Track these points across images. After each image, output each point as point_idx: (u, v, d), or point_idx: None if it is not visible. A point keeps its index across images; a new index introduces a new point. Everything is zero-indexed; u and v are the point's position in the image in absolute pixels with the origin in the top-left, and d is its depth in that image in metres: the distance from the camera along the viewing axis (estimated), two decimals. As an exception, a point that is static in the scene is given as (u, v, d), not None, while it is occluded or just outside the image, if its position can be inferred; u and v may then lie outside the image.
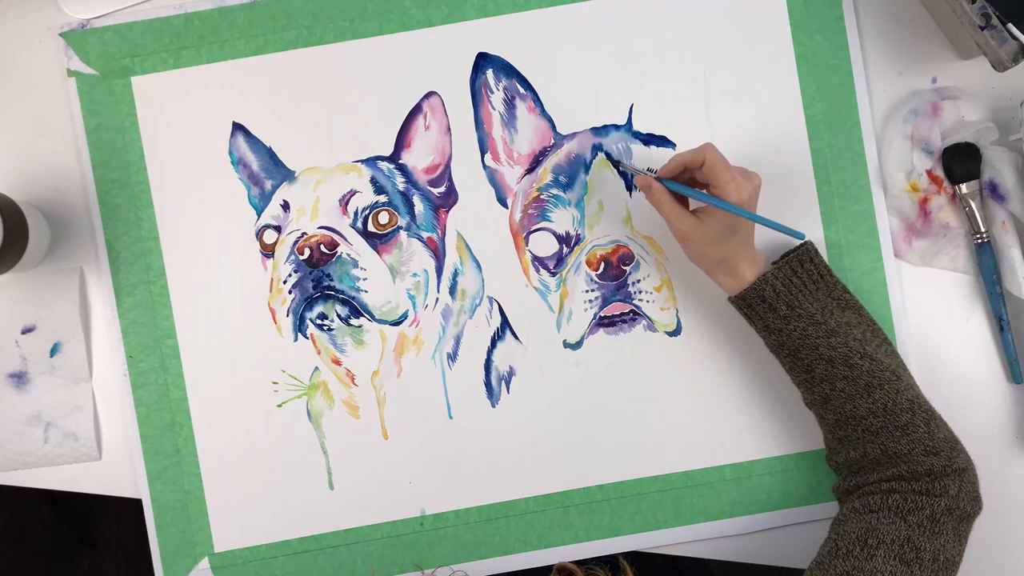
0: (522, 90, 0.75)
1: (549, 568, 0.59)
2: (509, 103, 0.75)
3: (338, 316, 0.75)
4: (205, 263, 0.75)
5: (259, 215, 0.75)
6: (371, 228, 0.75)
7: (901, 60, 0.76)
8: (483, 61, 0.75)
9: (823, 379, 0.65)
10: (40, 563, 1.39)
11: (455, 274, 0.75)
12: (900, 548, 0.59)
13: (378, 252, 0.75)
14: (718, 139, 0.75)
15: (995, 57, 0.65)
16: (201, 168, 0.75)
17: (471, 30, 0.75)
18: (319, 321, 0.75)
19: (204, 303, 0.75)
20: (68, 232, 0.76)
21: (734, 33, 0.75)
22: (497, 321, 0.75)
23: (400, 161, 0.75)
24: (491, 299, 0.75)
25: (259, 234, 0.75)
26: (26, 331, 0.75)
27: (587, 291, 0.75)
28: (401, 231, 0.75)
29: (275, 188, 0.75)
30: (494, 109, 0.75)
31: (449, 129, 0.75)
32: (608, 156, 0.74)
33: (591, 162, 0.75)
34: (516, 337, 0.75)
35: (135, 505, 0.75)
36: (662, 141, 0.75)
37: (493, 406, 0.75)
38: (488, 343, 0.75)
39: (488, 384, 0.75)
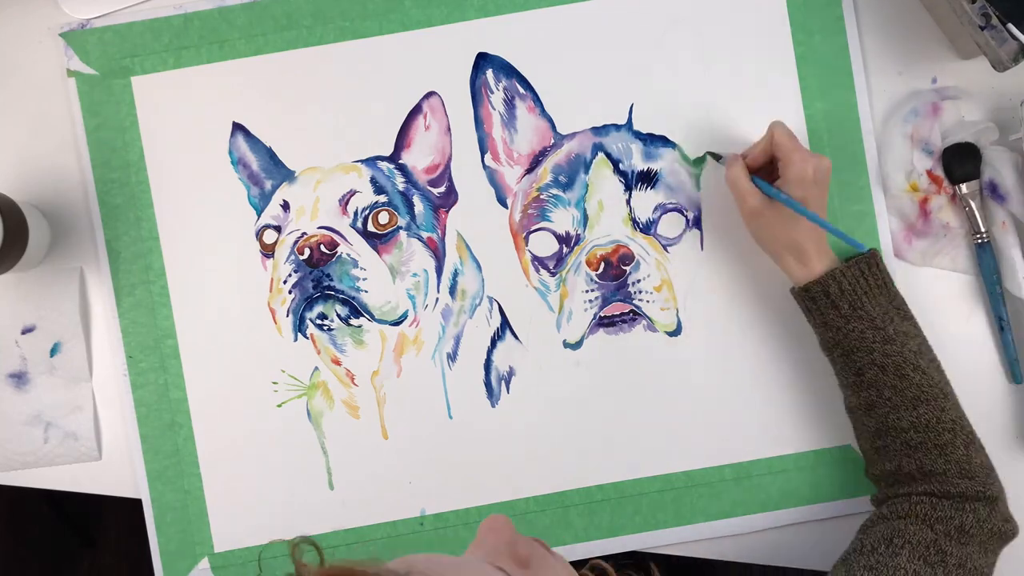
0: (522, 90, 0.75)
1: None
2: (509, 103, 0.75)
3: (338, 316, 0.75)
4: (205, 263, 0.75)
5: (259, 215, 0.75)
6: (371, 228, 0.75)
7: (901, 60, 0.76)
8: (483, 61, 0.75)
9: (871, 384, 0.65)
10: (40, 563, 1.39)
11: (455, 274, 0.75)
12: (926, 550, 0.59)
13: (378, 252, 0.75)
14: (718, 139, 0.75)
15: (995, 57, 0.65)
16: (201, 168, 0.75)
17: (471, 30, 0.75)
18: (319, 321, 0.75)
19: (204, 303, 0.75)
20: (68, 232, 0.76)
21: (734, 33, 0.75)
22: (497, 321, 0.75)
23: (400, 161, 0.75)
24: (491, 299, 0.75)
25: (259, 234, 0.75)
26: (26, 331, 0.75)
27: (587, 291, 0.75)
28: (401, 231, 0.75)
29: (275, 188, 0.75)
30: (494, 109, 0.75)
31: (449, 129, 0.75)
32: (710, 153, 0.74)
33: (591, 162, 0.75)
34: (516, 337, 0.75)
35: (135, 505, 0.75)
36: (662, 141, 0.75)
37: (493, 406, 0.75)
38: (488, 343, 0.75)
39: (488, 384, 0.75)
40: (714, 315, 0.75)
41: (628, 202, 0.75)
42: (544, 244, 0.75)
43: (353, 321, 0.75)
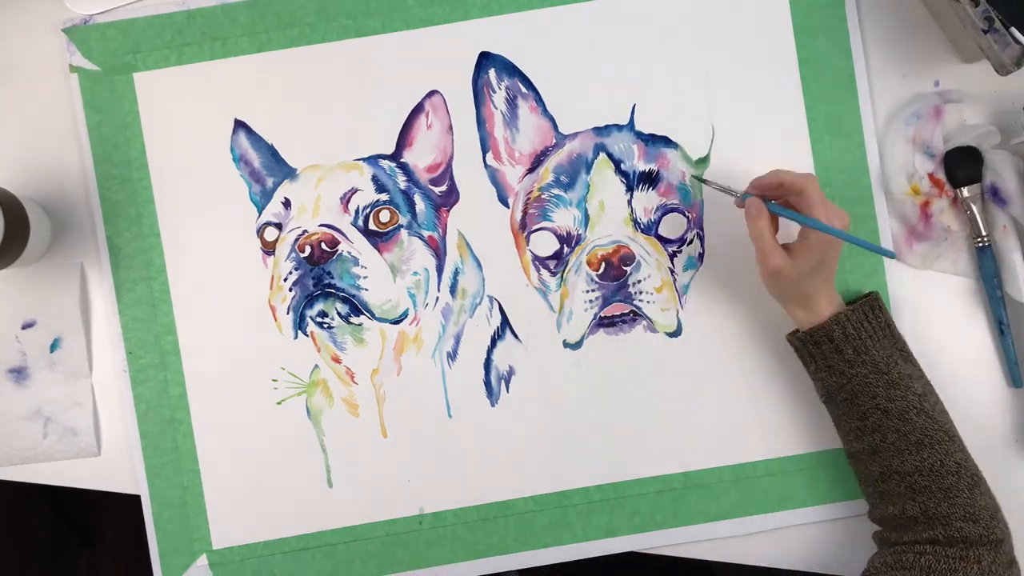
0: (524, 89, 0.75)
1: (546, 568, 0.58)
2: (511, 102, 0.75)
3: (338, 314, 0.75)
4: (206, 260, 0.75)
5: (260, 212, 0.75)
6: (372, 226, 0.75)
7: (904, 63, 0.76)
8: (485, 60, 0.75)
9: (875, 429, 0.65)
10: (38, 559, 1.39)
11: (456, 273, 0.75)
12: None
13: (379, 250, 0.75)
14: (720, 139, 0.75)
15: (998, 61, 0.65)
16: (202, 165, 0.75)
17: (474, 29, 0.75)
18: (319, 319, 0.75)
19: (204, 300, 0.75)
20: (69, 228, 0.76)
21: (737, 34, 0.75)
22: (497, 320, 0.75)
23: (402, 160, 0.75)
24: (491, 298, 0.75)
25: (260, 231, 0.75)
26: (26, 326, 0.75)
27: (587, 291, 0.75)
28: (402, 229, 0.75)
29: (276, 185, 0.75)
30: (496, 108, 0.75)
31: (451, 128, 0.75)
32: (697, 177, 0.74)
33: (593, 162, 0.75)
34: (516, 337, 0.75)
35: (134, 501, 0.75)
36: (665, 142, 0.75)
37: (492, 405, 0.75)
38: (488, 342, 0.75)
39: (488, 383, 0.75)
40: (714, 316, 0.75)
41: (629, 202, 0.75)
42: (545, 244, 0.75)
43: (353, 319, 0.75)
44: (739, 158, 0.75)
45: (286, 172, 0.75)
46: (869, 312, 0.67)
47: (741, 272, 0.75)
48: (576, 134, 0.75)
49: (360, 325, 0.75)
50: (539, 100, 0.75)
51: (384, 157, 0.75)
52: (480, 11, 0.75)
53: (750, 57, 0.75)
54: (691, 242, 0.75)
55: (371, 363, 0.75)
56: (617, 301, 0.75)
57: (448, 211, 0.75)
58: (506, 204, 0.75)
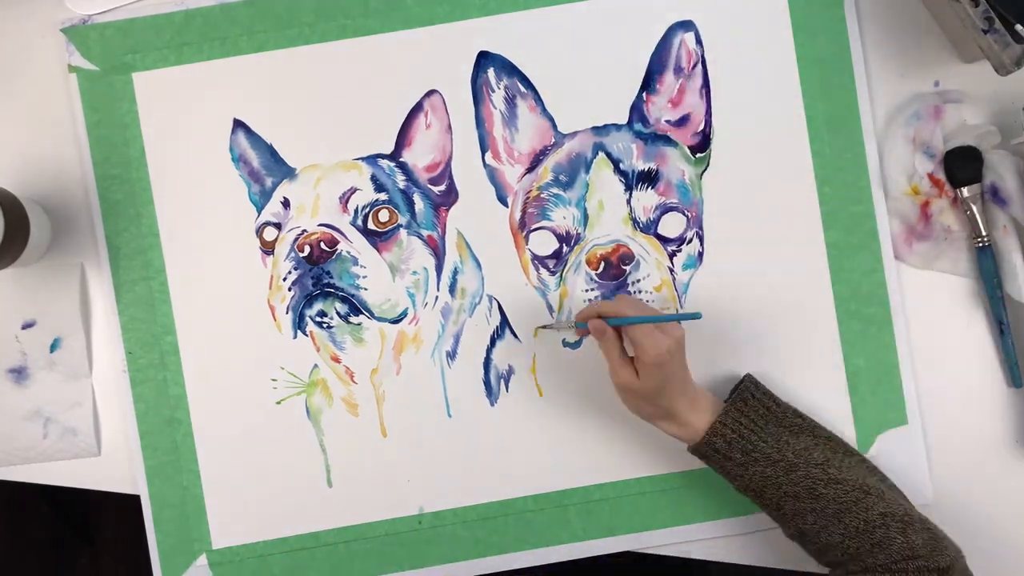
0: (523, 89, 0.75)
1: (542, 568, 0.58)
2: (510, 102, 0.75)
3: (337, 313, 0.75)
4: (205, 260, 0.75)
5: (259, 212, 0.75)
6: (371, 226, 0.75)
7: (903, 62, 0.76)
8: (484, 60, 0.75)
9: (793, 515, 0.64)
10: (38, 559, 1.39)
11: (455, 272, 0.75)
12: None
13: (378, 250, 0.75)
14: (719, 138, 0.75)
15: (998, 61, 0.65)
16: (202, 165, 0.75)
17: (472, 28, 0.75)
18: (318, 318, 0.75)
19: (204, 300, 0.75)
20: (69, 228, 0.76)
21: (736, 33, 0.75)
22: (496, 320, 0.75)
23: (401, 159, 0.75)
24: (491, 298, 0.75)
25: (259, 231, 0.75)
26: (26, 326, 0.75)
27: (587, 290, 0.75)
28: (401, 229, 0.75)
29: (275, 185, 0.75)
30: (495, 108, 0.75)
31: (450, 127, 0.75)
32: (546, 326, 0.74)
33: (592, 161, 0.75)
34: (515, 336, 0.75)
35: (133, 501, 0.75)
36: (664, 140, 0.75)
37: (492, 405, 0.75)
38: (487, 342, 0.75)
39: (487, 383, 0.75)
40: (714, 315, 0.75)
41: (628, 202, 0.75)
42: (544, 243, 0.75)
43: (353, 319, 0.75)
44: (738, 157, 0.75)
45: (285, 172, 0.75)
46: (742, 406, 0.67)
47: (740, 270, 0.75)
48: (575, 133, 0.75)
49: (359, 325, 0.75)
50: (538, 99, 0.75)
51: (383, 156, 0.75)
52: (479, 11, 0.75)
53: (749, 56, 0.75)
54: (690, 241, 0.75)
55: (370, 363, 0.75)
56: (616, 301, 0.75)
57: (447, 210, 0.75)
58: (505, 203, 0.75)
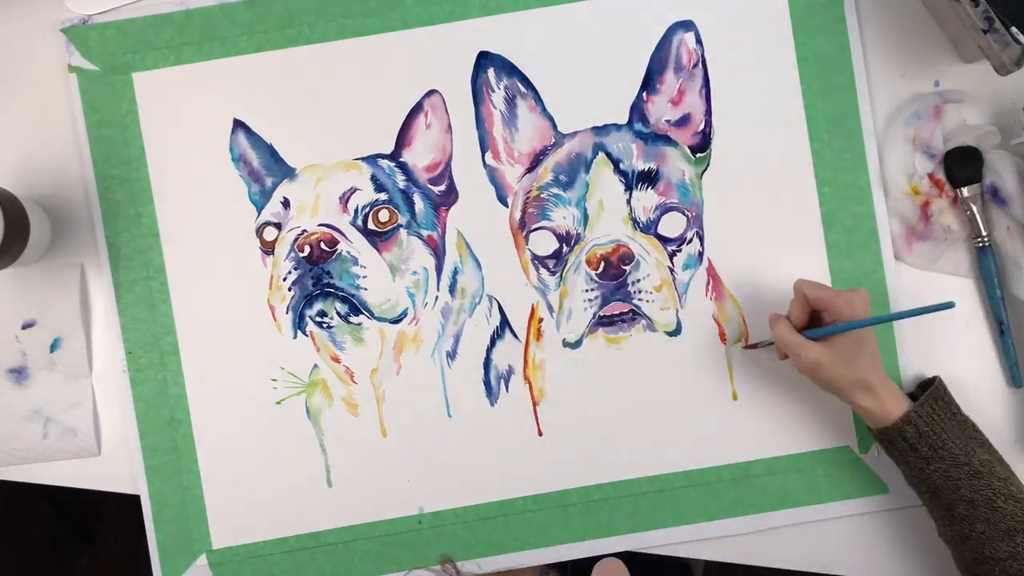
0: (523, 89, 0.75)
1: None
2: (510, 102, 0.75)
3: (337, 313, 0.75)
4: (205, 260, 0.75)
5: (259, 212, 0.75)
6: (371, 226, 0.75)
7: (903, 62, 0.76)
8: (484, 60, 0.75)
9: (963, 519, 0.64)
10: (38, 559, 1.39)
11: (455, 272, 0.75)
12: None
13: (378, 250, 0.75)
14: (720, 138, 0.75)
15: (998, 61, 0.65)
16: (202, 165, 0.75)
17: (473, 28, 0.75)
18: (318, 318, 0.75)
19: (204, 300, 0.75)
20: (69, 228, 0.76)
21: (736, 33, 0.75)
22: (496, 320, 0.75)
23: (401, 159, 0.75)
24: (491, 298, 0.75)
25: (259, 231, 0.75)
26: (26, 326, 0.75)
27: (587, 290, 0.75)
28: (401, 229, 0.75)
29: (275, 185, 0.75)
30: (495, 108, 0.75)
31: (450, 127, 0.75)
32: (750, 345, 0.74)
33: (592, 161, 0.75)
34: (515, 336, 0.75)
35: (133, 501, 0.75)
36: (664, 140, 0.75)
37: (492, 405, 0.75)
38: (487, 342, 0.75)
39: (487, 383, 0.75)
40: (714, 315, 0.75)
41: (628, 202, 0.75)
42: (544, 243, 0.75)
43: (353, 319, 0.75)
44: (738, 157, 0.75)
45: (285, 172, 0.75)
46: (935, 403, 0.66)
47: (741, 270, 0.75)
48: (575, 133, 0.75)
49: (359, 325, 0.75)
50: (538, 99, 0.75)
51: (383, 156, 0.75)
52: (479, 10, 0.75)
53: (749, 56, 0.75)
54: (690, 241, 0.75)
55: (370, 363, 0.75)
56: (616, 300, 0.75)
57: (447, 210, 0.75)
58: (505, 203, 0.75)
